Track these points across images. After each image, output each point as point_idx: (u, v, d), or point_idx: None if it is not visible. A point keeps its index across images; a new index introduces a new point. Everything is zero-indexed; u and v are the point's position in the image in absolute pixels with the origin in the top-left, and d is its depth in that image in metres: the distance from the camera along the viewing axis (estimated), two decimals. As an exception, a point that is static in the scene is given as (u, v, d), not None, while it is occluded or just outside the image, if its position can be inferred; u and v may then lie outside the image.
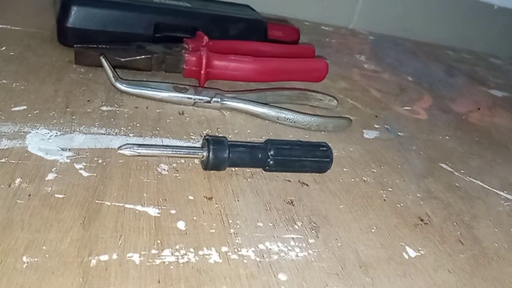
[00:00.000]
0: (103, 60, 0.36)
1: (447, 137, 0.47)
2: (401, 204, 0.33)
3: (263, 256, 0.24)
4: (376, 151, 0.40)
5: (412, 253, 0.28)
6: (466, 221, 0.33)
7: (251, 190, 0.30)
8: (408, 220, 0.31)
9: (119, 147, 0.28)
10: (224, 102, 0.39)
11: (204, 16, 0.49)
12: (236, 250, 0.24)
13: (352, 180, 0.34)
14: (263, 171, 0.32)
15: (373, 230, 0.29)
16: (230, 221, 0.26)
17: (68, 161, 0.27)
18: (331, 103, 0.45)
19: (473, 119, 0.55)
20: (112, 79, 0.36)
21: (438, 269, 0.27)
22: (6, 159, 0.26)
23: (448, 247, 0.30)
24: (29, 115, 0.31)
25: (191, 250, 0.23)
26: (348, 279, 0.25)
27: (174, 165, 0.30)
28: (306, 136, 0.39)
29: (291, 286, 0.23)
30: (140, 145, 0.28)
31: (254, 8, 0.59)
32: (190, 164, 0.30)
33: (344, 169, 0.35)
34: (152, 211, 0.25)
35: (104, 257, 0.22)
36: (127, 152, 0.27)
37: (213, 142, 0.29)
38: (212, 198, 0.28)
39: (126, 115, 0.35)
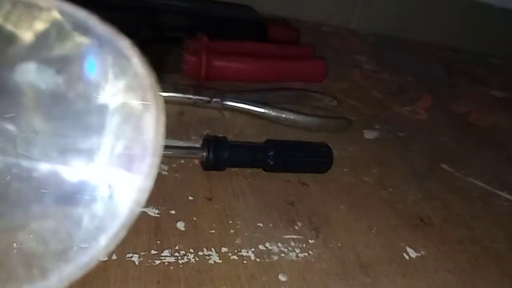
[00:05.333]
0: None
1: (447, 137, 0.47)
2: (402, 205, 0.33)
3: (263, 257, 0.24)
4: (376, 151, 0.40)
5: (412, 253, 0.28)
6: (466, 221, 0.33)
7: (251, 191, 0.30)
8: (408, 221, 0.31)
9: (119, 148, 0.28)
10: (224, 102, 0.39)
11: (204, 17, 0.49)
12: (236, 251, 0.24)
13: (352, 180, 0.34)
14: (263, 171, 0.32)
15: (373, 231, 0.29)
16: (230, 222, 0.26)
17: (68, 161, 0.27)
18: (330, 103, 0.45)
19: (473, 119, 0.55)
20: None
21: (439, 270, 0.27)
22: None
23: (449, 247, 0.30)
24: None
25: (191, 250, 0.23)
26: (349, 279, 0.25)
27: (174, 165, 0.30)
28: (306, 137, 0.39)
29: (291, 287, 0.23)
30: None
31: (254, 8, 0.59)
32: (190, 165, 0.30)
33: (344, 170, 0.35)
34: (152, 211, 0.25)
35: (103, 258, 0.21)
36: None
37: (213, 142, 0.29)
38: (212, 198, 0.28)
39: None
